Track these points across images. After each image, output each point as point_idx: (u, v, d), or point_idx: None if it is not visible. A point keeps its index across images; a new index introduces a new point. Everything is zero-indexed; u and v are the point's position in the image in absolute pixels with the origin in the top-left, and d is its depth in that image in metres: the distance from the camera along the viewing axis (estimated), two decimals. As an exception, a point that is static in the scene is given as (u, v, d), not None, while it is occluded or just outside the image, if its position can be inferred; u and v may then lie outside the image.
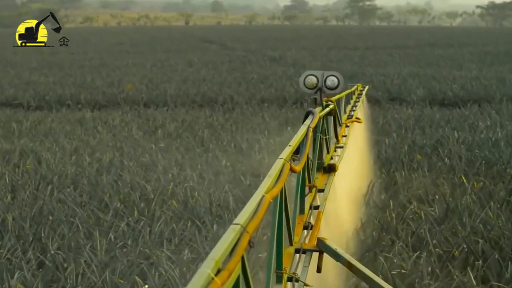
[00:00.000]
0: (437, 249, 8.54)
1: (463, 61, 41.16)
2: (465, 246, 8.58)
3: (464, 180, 11.69)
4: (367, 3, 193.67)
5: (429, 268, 8.08)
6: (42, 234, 9.57)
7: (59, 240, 9.29)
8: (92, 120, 20.56)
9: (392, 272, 7.72)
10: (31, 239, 9.51)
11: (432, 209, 10.33)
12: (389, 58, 44.38)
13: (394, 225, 9.44)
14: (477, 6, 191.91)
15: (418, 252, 8.46)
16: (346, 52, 51.46)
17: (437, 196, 11.04)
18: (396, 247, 8.63)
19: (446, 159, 13.73)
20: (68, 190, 11.93)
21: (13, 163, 14.76)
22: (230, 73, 34.93)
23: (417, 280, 7.72)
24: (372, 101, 24.68)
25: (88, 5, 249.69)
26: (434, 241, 8.70)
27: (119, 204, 10.82)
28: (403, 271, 7.85)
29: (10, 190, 12.16)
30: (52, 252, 8.65)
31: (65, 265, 8.35)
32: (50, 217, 10.45)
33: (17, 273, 8.07)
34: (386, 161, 13.81)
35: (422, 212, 9.92)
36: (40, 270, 8.42)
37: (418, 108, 22.67)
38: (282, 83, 28.99)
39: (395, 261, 8.25)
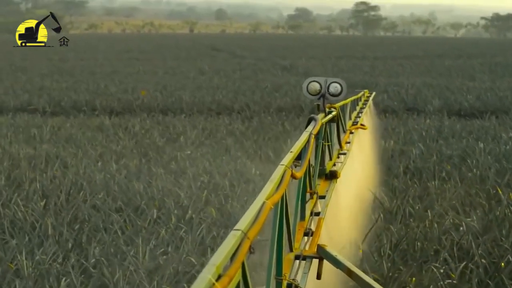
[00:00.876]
0: (483, 260, 8.48)
1: (474, 72, 41.15)
2: (510, 257, 8.53)
3: (500, 192, 11.64)
4: (372, 13, 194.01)
5: (476, 279, 8.04)
6: (82, 240, 9.54)
7: (100, 246, 9.25)
8: (112, 127, 20.53)
9: (444, 283, 7.68)
10: (70, 245, 9.47)
11: (470, 219, 10.28)
12: (399, 68, 44.40)
13: (437, 235, 9.39)
14: (482, 18, 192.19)
15: (465, 262, 8.41)
16: (355, 61, 51.52)
17: (473, 207, 11.00)
18: (441, 257, 8.59)
19: (475, 170, 13.69)
20: (99, 196, 11.90)
21: (38, 168, 14.74)
22: (243, 81, 34.94)
23: (467, 290, 7.68)
24: (389, 111, 24.75)
25: (92, 12, 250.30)
26: (480, 251, 8.65)
27: (155, 211, 10.79)
28: (454, 281, 7.80)
29: (41, 195, 12.12)
30: (98, 257, 8.61)
31: (110, 269, 8.30)
32: (86, 224, 10.42)
33: (63, 279, 8.02)
34: (415, 170, 13.77)
35: (463, 223, 9.87)
36: (82, 276, 8.38)
37: (437, 118, 22.62)
38: (297, 93, 28.93)
39: (442, 271, 8.21)
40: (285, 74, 39.87)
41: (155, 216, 10.53)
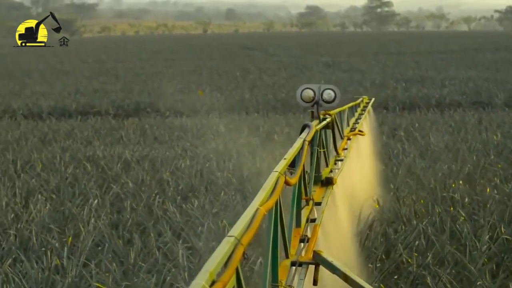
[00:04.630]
0: None
1: (520, 64, 40.98)
2: None
3: None
4: (386, 9, 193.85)
5: None
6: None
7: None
8: (195, 126, 20.40)
9: None
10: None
11: None
12: (443, 62, 44.19)
13: None
14: (495, 11, 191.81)
15: None
16: (394, 57, 51.28)
17: None
18: None
19: None
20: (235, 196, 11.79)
21: (150, 169, 14.62)
22: (292, 79, 34.81)
23: None
24: (456, 105, 24.75)
25: (102, 15, 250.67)
26: None
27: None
28: None
29: (179, 196, 12.02)
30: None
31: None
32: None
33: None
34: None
35: None
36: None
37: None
38: (354, 88, 28.92)
39: None
40: (331, 71, 39.72)
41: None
